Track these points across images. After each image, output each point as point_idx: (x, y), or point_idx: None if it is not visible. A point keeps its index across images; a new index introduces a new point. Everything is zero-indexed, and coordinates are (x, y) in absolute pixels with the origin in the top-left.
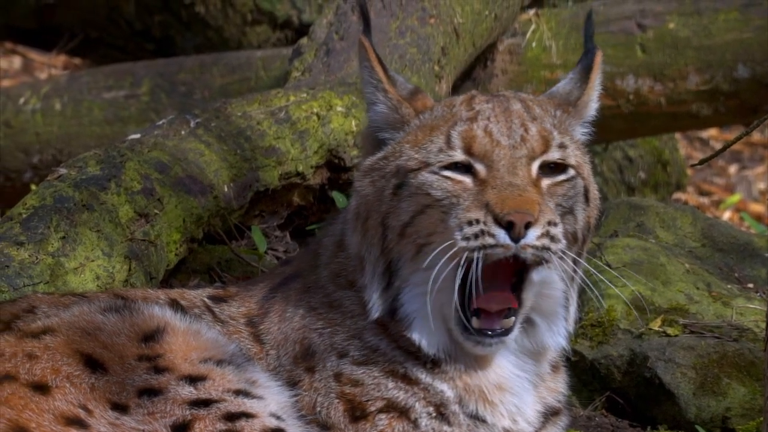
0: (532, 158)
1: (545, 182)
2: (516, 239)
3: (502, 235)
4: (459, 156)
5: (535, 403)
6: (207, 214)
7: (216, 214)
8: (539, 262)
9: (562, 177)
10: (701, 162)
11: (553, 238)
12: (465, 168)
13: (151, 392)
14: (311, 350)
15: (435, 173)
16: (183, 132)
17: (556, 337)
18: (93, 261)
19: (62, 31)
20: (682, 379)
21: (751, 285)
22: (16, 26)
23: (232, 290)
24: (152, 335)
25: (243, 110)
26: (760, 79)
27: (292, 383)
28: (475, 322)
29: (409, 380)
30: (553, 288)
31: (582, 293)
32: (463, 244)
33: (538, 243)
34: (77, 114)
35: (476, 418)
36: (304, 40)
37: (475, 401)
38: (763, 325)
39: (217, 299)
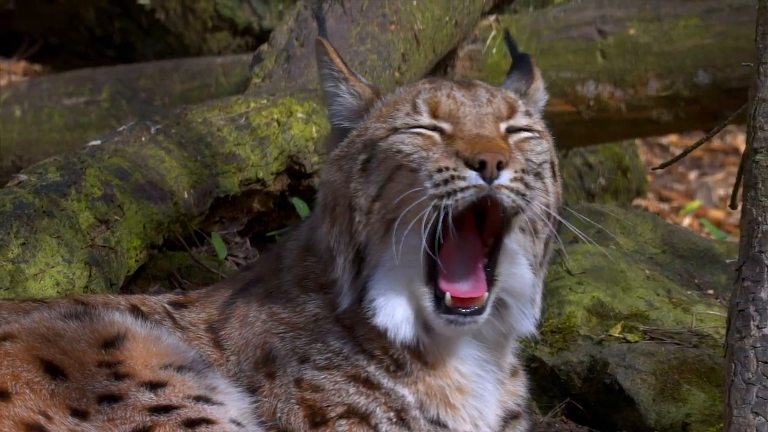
0: (499, 118)
1: (513, 138)
2: (489, 179)
3: (473, 176)
4: (425, 120)
5: (496, 407)
6: (167, 220)
7: (176, 220)
8: (516, 210)
9: (529, 134)
10: (661, 167)
11: (527, 185)
12: (432, 129)
13: (111, 398)
14: (272, 355)
15: (404, 133)
16: (143, 138)
17: (528, 321)
18: (53, 267)
19: (22, 37)
20: (642, 386)
21: (711, 291)
22: None
23: (192, 296)
24: (112, 341)
25: (203, 117)
26: (720, 85)
27: (252, 389)
28: (448, 300)
29: (370, 385)
30: (523, 270)
31: (542, 299)
32: (434, 191)
33: (512, 185)
34: (37, 120)
35: (437, 423)
36: (264, 47)
37: (436, 405)
38: (723, 332)
39: (178, 305)
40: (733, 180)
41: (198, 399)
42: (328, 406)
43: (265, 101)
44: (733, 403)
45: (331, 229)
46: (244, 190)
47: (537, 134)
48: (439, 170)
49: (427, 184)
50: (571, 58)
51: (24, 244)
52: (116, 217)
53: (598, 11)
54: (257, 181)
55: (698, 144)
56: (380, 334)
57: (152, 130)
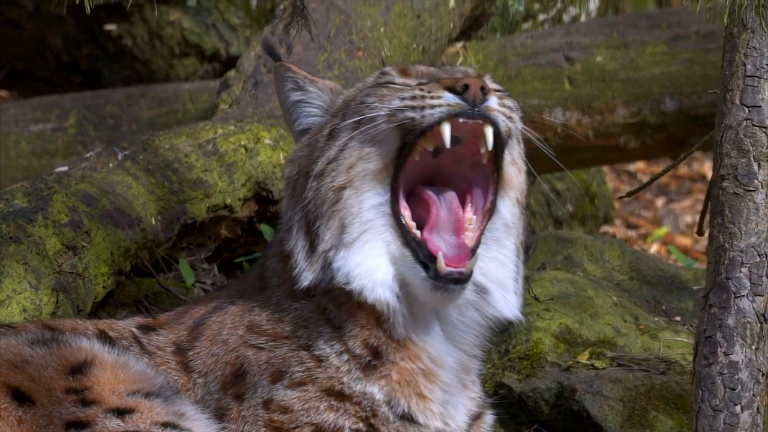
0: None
1: (491, 85)
2: (473, 102)
3: (449, 96)
4: (396, 78)
5: (464, 408)
6: (135, 246)
7: (144, 246)
8: (509, 133)
9: (500, 87)
10: (628, 195)
11: (510, 109)
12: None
13: (78, 425)
14: (243, 370)
15: (373, 87)
16: (111, 164)
17: (511, 306)
18: (20, 293)
19: None
20: (609, 412)
21: (678, 318)
22: None
23: (161, 318)
24: (80, 368)
25: (170, 143)
26: (687, 112)
27: (220, 413)
28: (441, 264)
29: (342, 397)
30: (507, 257)
31: (509, 327)
32: (398, 104)
33: (502, 109)
34: (4, 147)
35: (408, 418)
36: (231, 73)
37: (406, 397)
38: (691, 358)
39: (146, 329)
40: (700, 207)
41: (166, 425)
42: (295, 427)
43: (232, 127)
44: (701, 429)
45: (289, 201)
46: (212, 217)
47: (508, 95)
48: (412, 92)
49: (395, 103)
50: (539, 84)
51: None
52: (83, 244)
53: (565, 38)
54: (225, 208)
55: (665, 171)
56: (363, 315)
57: (119, 156)
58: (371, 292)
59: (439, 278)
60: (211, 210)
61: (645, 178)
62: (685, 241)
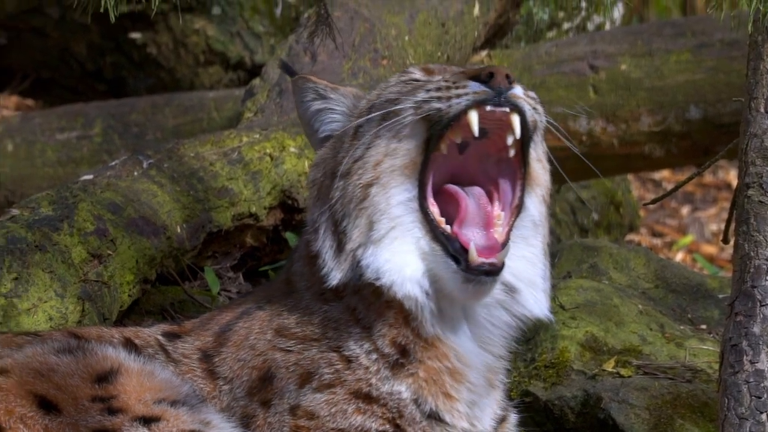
0: None
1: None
2: (498, 89)
3: (475, 85)
4: (419, 74)
5: (491, 411)
6: (160, 255)
7: (169, 255)
8: (534, 125)
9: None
10: (653, 202)
11: (536, 109)
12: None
13: None
14: (270, 374)
15: (397, 83)
16: (136, 173)
17: (541, 305)
18: (46, 302)
19: (14, 71)
20: (635, 420)
21: (704, 326)
22: None
23: (187, 325)
24: (106, 376)
25: (195, 151)
26: (711, 120)
27: (245, 420)
28: (473, 255)
29: (370, 399)
30: (535, 256)
31: (535, 335)
32: (424, 95)
33: (528, 99)
34: (30, 155)
35: (434, 417)
36: (256, 81)
37: (433, 395)
38: (716, 366)
39: (172, 336)
40: (725, 215)
41: None
42: None
43: (257, 135)
44: None
45: (315, 203)
46: (237, 225)
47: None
48: (434, 86)
49: (420, 96)
50: (563, 93)
51: (16, 278)
52: (109, 252)
53: (589, 46)
54: (250, 216)
55: (690, 179)
56: (392, 314)
57: (145, 165)
58: (401, 287)
59: (471, 270)
60: (236, 218)
61: (670, 187)
62: (710, 249)
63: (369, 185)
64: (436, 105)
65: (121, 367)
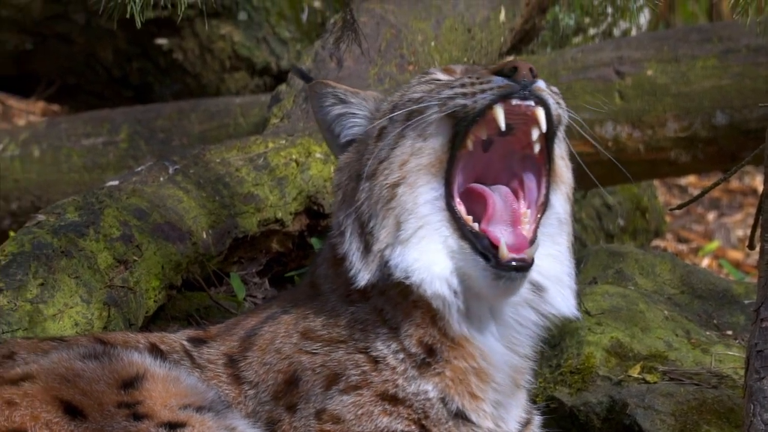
0: None
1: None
2: (523, 83)
3: (498, 79)
4: (441, 75)
5: (516, 414)
6: (186, 260)
7: (195, 260)
8: (559, 120)
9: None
10: (679, 207)
11: (560, 104)
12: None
13: None
14: (295, 377)
15: (419, 84)
16: (161, 178)
17: (569, 303)
18: (72, 308)
19: (40, 77)
20: (661, 426)
21: (729, 332)
22: None
23: (212, 331)
24: (132, 382)
25: (221, 157)
26: (738, 125)
27: (271, 426)
28: (503, 251)
29: (396, 400)
30: (561, 254)
31: (560, 341)
32: (448, 92)
33: (552, 93)
34: (56, 161)
35: (461, 416)
36: (282, 87)
37: (459, 395)
38: (742, 372)
39: (197, 341)
40: (751, 221)
41: None
42: None
43: (283, 141)
44: None
45: (340, 205)
46: (263, 231)
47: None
48: (462, 83)
49: (447, 92)
50: (589, 98)
51: (42, 284)
52: (135, 258)
53: (615, 52)
54: (276, 222)
55: (716, 184)
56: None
57: (170, 170)
58: (430, 285)
59: (501, 266)
60: (262, 224)
61: (696, 192)
62: (736, 255)
63: (396, 185)
64: (462, 101)
65: (146, 373)
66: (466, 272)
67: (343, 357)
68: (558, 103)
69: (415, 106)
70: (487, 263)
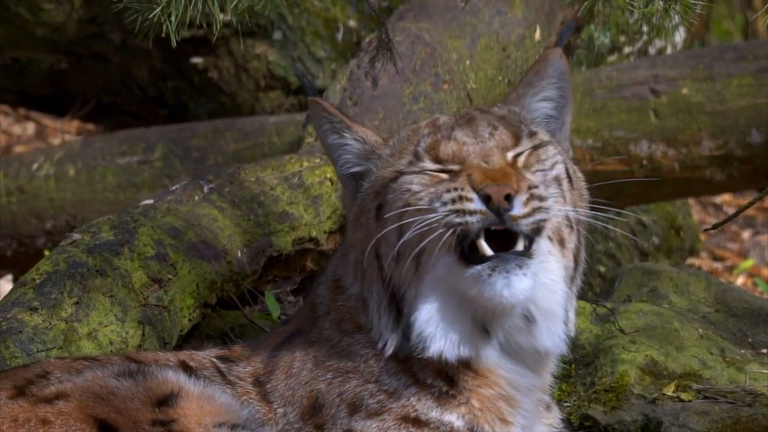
0: (504, 149)
1: (521, 160)
2: (497, 211)
3: (478, 203)
4: (429, 165)
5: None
6: (220, 279)
7: (229, 279)
8: (537, 228)
9: (533, 144)
10: (714, 227)
11: (541, 198)
12: (439, 171)
13: None
14: (318, 403)
15: (411, 173)
16: (196, 197)
17: (555, 338)
18: (106, 326)
19: (75, 96)
20: None
21: (764, 350)
22: (29, 92)
23: (237, 350)
24: (166, 400)
25: (256, 175)
26: None
27: None
28: (483, 246)
29: (419, 423)
30: (554, 281)
31: (595, 359)
32: (444, 209)
33: (527, 209)
34: (91, 180)
35: None
36: None
37: (490, 424)
38: None
39: (225, 359)
40: None
41: None
42: None
43: (318, 160)
44: None
45: (362, 282)
46: (297, 249)
47: (542, 143)
48: (448, 190)
49: (437, 204)
50: (624, 117)
51: (77, 303)
52: (169, 276)
53: (650, 71)
54: (310, 240)
55: (751, 203)
56: (436, 361)
57: (205, 189)
58: (452, 352)
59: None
60: (296, 243)
61: (731, 211)
62: None
63: (419, 255)
64: (457, 220)
65: (181, 391)
66: (459, 282)
67: (357, 388)
68: (537, 209)
69: (407, 208)
70: (471, 262)
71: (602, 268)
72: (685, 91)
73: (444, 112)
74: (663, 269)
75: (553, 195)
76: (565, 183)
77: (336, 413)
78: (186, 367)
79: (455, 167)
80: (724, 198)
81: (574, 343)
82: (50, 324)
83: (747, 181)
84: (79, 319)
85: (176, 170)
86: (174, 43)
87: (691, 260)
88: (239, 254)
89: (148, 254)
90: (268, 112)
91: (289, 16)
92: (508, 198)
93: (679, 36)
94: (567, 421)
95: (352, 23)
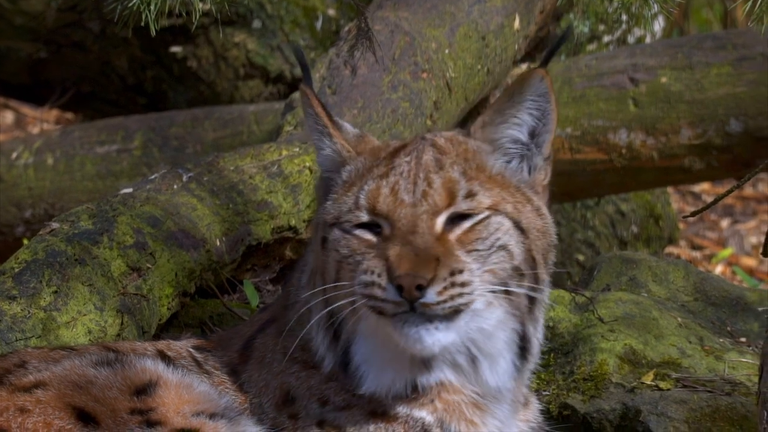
0: (435, 213)
1: (455, 233)
2: (411, 300)
3: (392, 291)
4: (365, 217)
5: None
6: (199, 268)
7: (208, 268)
8: (457, 310)
9: (470, 223)
10: (693, 214)
11: (463, 284)
12: (372, 225)
13: None
14: (291, 395)
15: (344, 231)
16: (175, 186)
17: (503, 376)
18: (85, 315)
19: (54, 85)
20: None
21: (743, 339)
22: (8, 81)
23: (213, 340)
24: (144, 389)
25: (235, 164)
26: (752, 133)
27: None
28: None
29: (388, 418)
30: (494, 327)
31: (573, 348)
32: (361, 290)
33: (442, 297)
34: (69, 168)
35: None
36: (296, 95)
37: (456, 421)
38: (756, 379)
39: (201, 349)
40: (765, 227)
41: None
42: None
43: (297, 149)
44: None
45: (309, 287)
46: (277, 238)
47: (482, 215)
48: (365, 271)
49: (356, 280)
50: (603, 106)
51: (56, 292)
52: (148, 265)
53: (629, 59)
54: (289, 229)
55: (729, 192)
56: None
57: (184, 178)
58: (386, 392)
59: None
60: (275, 231)
61: (710, 199)
62: (750, 262)
63: (353, 301)
64: (372, 304)
65: (159, 380)
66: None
67: (321, 384)
68: (455, 296)
69: (340, 258)
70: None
71: (581, 257)
72: (664, 80)
73: (423, 101)
74: (642, 258)
75: (493, 264)
76: (513, 242)
77: (308, 404)
78: (164, 357)
79: (386, 228)
80: (703, 187)
81: (552, 332)
82: (29, 313)
83: (726, 170)
84: (57, 308)
85: (155, 159)
86: (153, 32)
87: (670, 249)
88: (218, 243)
89: (127, 243)
90: (247, 100)
91: (268, 4)
92: (420, 288)
93: (658, 25)
94: (546, 411)
95: (331, 12)
